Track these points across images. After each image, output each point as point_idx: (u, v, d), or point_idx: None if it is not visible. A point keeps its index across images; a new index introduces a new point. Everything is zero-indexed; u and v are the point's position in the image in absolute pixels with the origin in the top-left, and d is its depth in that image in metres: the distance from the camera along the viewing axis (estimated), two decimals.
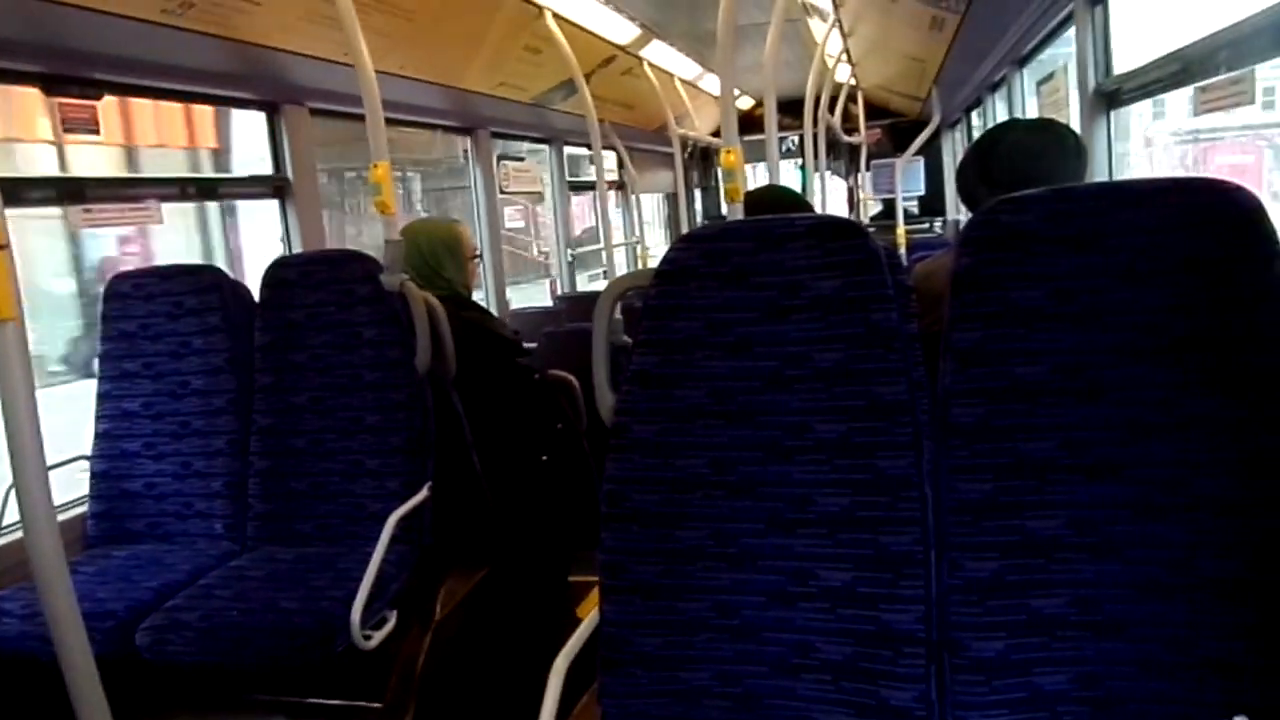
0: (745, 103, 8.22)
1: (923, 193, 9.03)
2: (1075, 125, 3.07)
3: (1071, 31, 3.13)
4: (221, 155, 5.88)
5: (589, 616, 1.46)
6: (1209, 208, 1.30)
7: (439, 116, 4.65)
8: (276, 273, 2.54)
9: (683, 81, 6.69)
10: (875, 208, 9.19)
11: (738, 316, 1.45)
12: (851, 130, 8.04)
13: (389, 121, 2.42)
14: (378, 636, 2.01)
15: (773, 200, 2.31)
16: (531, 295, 7.01)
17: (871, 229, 1.52)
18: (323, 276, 2.47)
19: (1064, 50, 3.55)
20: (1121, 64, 2.88)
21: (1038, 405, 1.33)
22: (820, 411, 1.40)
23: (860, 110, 8.48)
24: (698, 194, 9.77)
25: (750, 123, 4.94)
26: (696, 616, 1.43)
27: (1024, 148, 1.89)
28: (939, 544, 1.36)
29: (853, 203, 9.53)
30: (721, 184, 2.58)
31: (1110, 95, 2.91)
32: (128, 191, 2.95)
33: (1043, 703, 1.30)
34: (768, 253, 1.44)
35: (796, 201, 2.50)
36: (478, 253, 2.91)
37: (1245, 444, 1.27)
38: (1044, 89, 3.97)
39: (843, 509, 1.38)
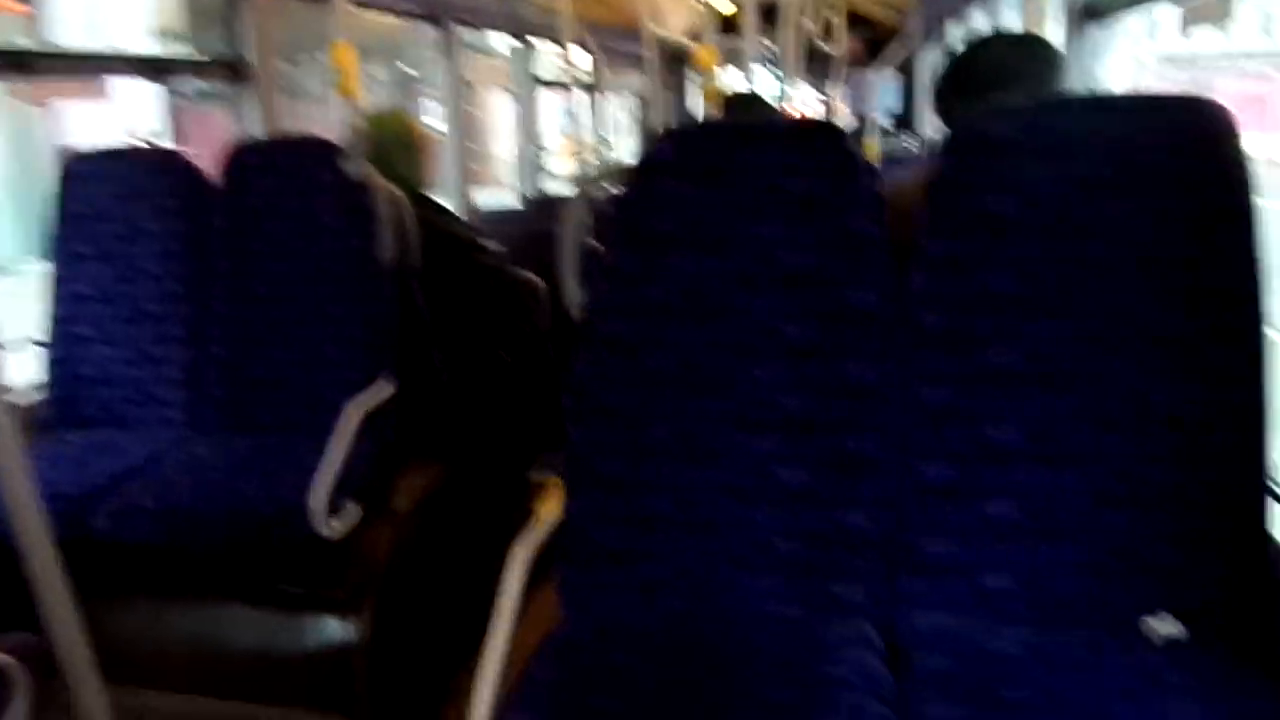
0: (725, 7, 7.99)
1: (900, 110, 8.92)
2: (1057, 39, 3.02)
3: None
4: (33, 22, 5.35)
5: (550, 510, 1.48)
6: (1185, 125, 1.30)
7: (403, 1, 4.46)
8: (237, 157, 2.45)
9: None
10: (852, 121, 9.08)
11: (712, 216, 1.43)
12: (830, 39, 7.87)
13: (357, 3, 2.32)
14: (340, 526, 2.02)
15: (751, 104, 2.27)
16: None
17: None
18: (286, 163, 2.39)
19: None
20: None
21: (1004, 316, 1.35)
22: (790, 315, 1.41)
23: (841, 20, 8.29)
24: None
25: (729, 28, 4.81)
26: (659, 512, 1.45)
27: (1002, 62, 1.86)
28: (899, 449, 1.38)
29: (828, 115, 9.40)
30: (689, 91, 2.53)
31: (1090, 8, 2.87)
32: (75, 66, 2.81)
33: (988, 602, 1.35)
34: (746, 152, 1.42)
35: (771, 109, 2.46)
36: (433, 146, 2.83)
37: (1200, 360, 1.30)
38: (1021, 4, 3.89)
39: (807, 412, 1.40)
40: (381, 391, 2.25)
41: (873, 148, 6.70)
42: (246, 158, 2.44)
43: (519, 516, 1.48)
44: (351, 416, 2.08)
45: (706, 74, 2.19)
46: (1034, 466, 1.34)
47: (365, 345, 2.32)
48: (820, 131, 1.44)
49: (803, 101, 7.20)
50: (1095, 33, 2.83)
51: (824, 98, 9.63)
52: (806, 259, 1.40)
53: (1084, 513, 1.32)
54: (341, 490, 2.05)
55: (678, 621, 1.39)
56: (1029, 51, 1.90)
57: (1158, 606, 1.31)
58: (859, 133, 8.29)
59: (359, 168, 2.27)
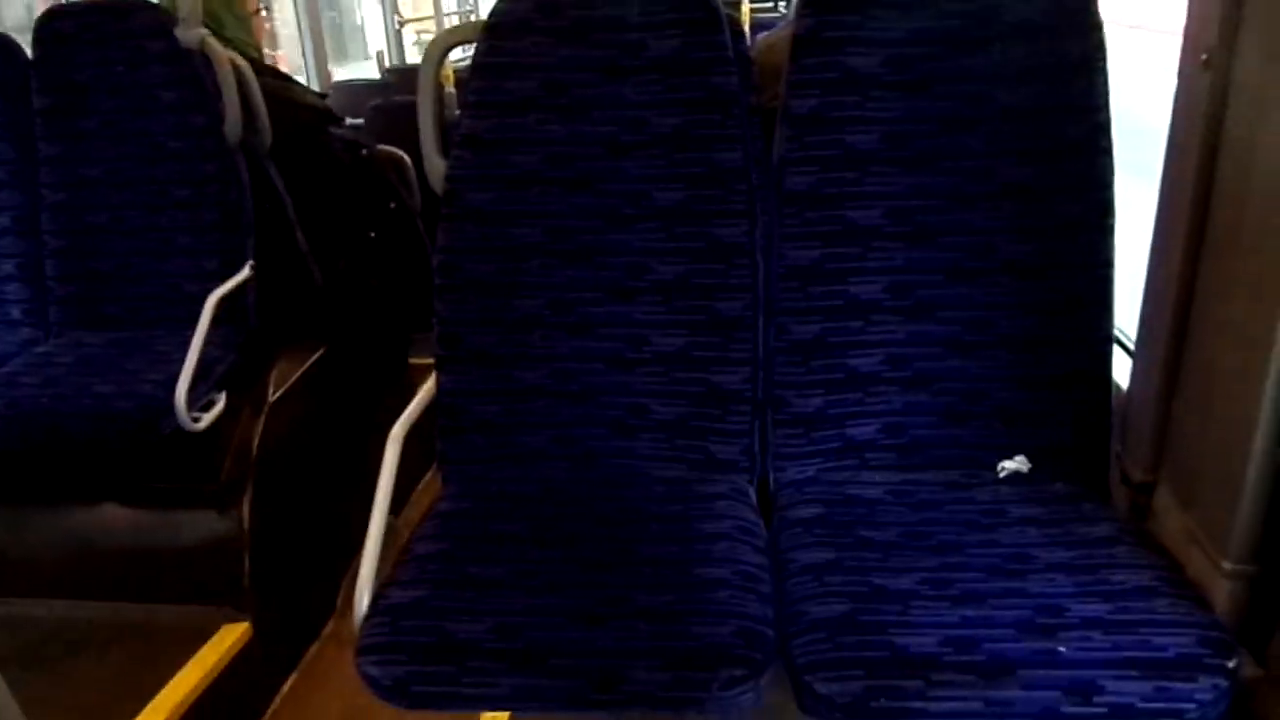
0: None
1: None
2: None
3: None
4: None
5: (425, 388, 1.46)
6: None
7: None
8: (49, 25, 2.21)
9: None
10: None
11: (575, 77, 1.38)
12: None
13: None
14: (206, 418, 1.95)
15: None
16: None
17: None
18: (107, 30, 2.17)
19: None
20: None
21: (866, 173, 1.37)
22: (659, 179, 1.39)
23: None
24: None
25: None
26: (535, 383, 1.44)
27: None
28: (768, 309, 1.41)
29: None
30: None
31: None
32: None
33: (853, 450, 1.42)
34: (608, 7, 1.36)
35: None
36: (261, 6, 2.62)
37: (1051, 211, 1.35)
38: None
39: (678, 276, 1.40)
40: (241, 278, 2.14)
41: (746, 11, 6.61)
42: (61, 25, 2.20)
43: (400, 399, 1.45)
44: (211, 307, 1.98)
45: None
46: (894, 319, 1.39)
47: (220, 231, 2.19)
48: None
49: None
50: None
51: None
52: (673, 119, 1.38)
53: (940, 360, 1.39)
54: (205, 381, 1.97)
55: (558, 488, 1.41)
56: None
57: (1007, 446, 1.40)
58: None
59: (193, 35, 2.08)
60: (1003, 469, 1.39)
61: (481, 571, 1.22)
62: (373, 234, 2.72)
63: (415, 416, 1.39)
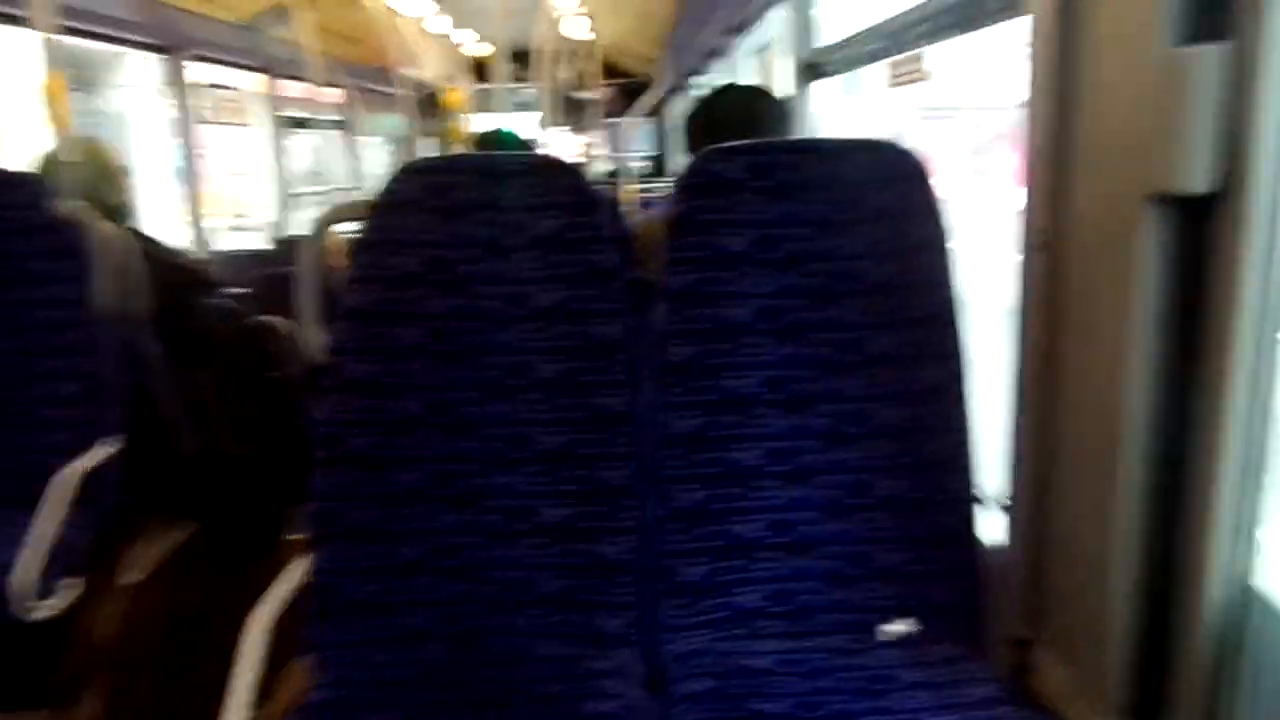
0: (482, 49, 8.04)
1: (653, 153, 9.30)
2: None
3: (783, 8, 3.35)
4: None
5: (293, 568, 1.39)
6: (889, 164, 1.44)
7: (128, 30, 4.13)
8: None
9: (410, 20, 6.41)
10: (608, 165, 9.39)
11: (459, 253, 1.41)
12: (585, 87, 8.12)
13: (68, 30, 2.11)
14: (48, 606, 1.79)
15: (501, 141, 2.28)
16: None
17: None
18: None
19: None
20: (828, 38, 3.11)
21: (741, 345, 1.42)
22: (540, 351, 1.41)
23: (597, 68, 8.58)
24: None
25: (486, 74, 4.84)
26: (415, 559, 1.40)
27: (740, 106, 2.02)
28: (652, 477, 1.42)
29: (587, 159, 9.66)
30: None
31: (813, 67, 3.15)
32: None
33: (742, 619, 1.41)
34: (490, 188, 1.42)
35: (526, 145, 2.49)
36: (127, 174, 2.62)
37: (914, 378, 1.43)
38: (759, 58, 4.21)
39: (562, 446, 1.41)
40: (101, 453, 2.03)
41: (629, 189, 6.99)
42: None
43: (272, 576, 1.37)
44: (64, 483, 1.86)
45: (455, 115, 2.17)
46: (775, 484, 1.41)
47: (82, 402, 2.08)
48: (563, 168, 1.46)
49: (561, 145, 7.37)
50: (816, 86, 3.10)
51: (584, 142, 9.94)
52: (554, 294, 1.42)
53: (821, 524, 1.41)
54: (55, 566, 1.83)
55: (438, 670, 1.34)
56: (761, 100, 2.07)
57: (891, 608, 1.41)
58: (616, 175, 8.62)
59: (67, 204, 2.05)
60: (887, 632, 1.39)
61: None
62: (248, 406, 2.65)
63: (283, 600, 1.32)
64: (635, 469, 1.41)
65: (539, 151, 4.34)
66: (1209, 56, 0.99)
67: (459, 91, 2.08)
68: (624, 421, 1.41)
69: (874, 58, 2.56)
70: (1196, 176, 0.99)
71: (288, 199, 5.52)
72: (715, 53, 5.76)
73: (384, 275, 1.41)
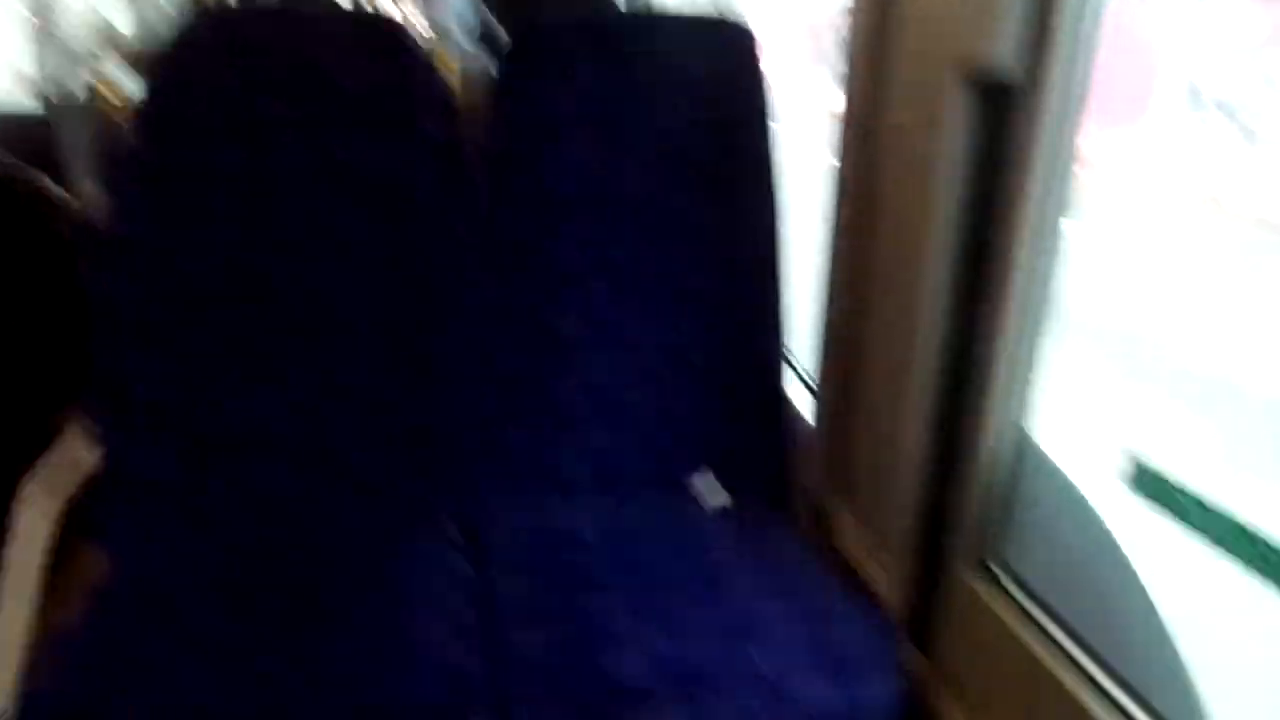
0: None
1: (474, 21, 8.80)
2: None
3: None
4: None
5: (72, 442, 1.28)
6: (720, 40, 1.42)
7: None
8: None
9: None
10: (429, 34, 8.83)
11: (264, 109, 1.30)
12: None
13: None
14: None
15: None
16: None
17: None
18: None
19: None
20: None
21: (566, 214, 1.40)
22: (349, 216, 1.34)
23: None
24: None
25: None
26: (213, 437, 1.32)
27: None
28: (470, 345, 1.39)
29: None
30: None
31: None
32: None
33: (560, 486, 1.42)
34: (296, 40, 1.30)
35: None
36: None
37: (728, 248, 1.45)
38: None
39: (372, 314, 1.35)
40: None
41: (448, 59, 6.63)
42: None
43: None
44: None
45: None
46: (595, 353, 1.42)
47: None
48: (378, 23, 1.36)
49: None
50: None
51: (401, 11, 9.30)
52: (373, 158, 1.33)
53: (637, 391, 1.44)
54: None
55: (244, 552, 1.28)
56: None
57: (703, 469, 1.47)
58: (434, 43, 8.15)
59: None
60: (699, 491, 1.45)
61: (153, 660, 1.07)
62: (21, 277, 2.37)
63: (65, 480, 1.22)
64: (453, 339, 1.37)
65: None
66: None
67: None
68: (440, 289, 1.36)
69: None
70: (1004, 62, 1.03)
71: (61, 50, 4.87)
72: None
73: (172, 130, 1.28)
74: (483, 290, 1.37)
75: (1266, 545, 0.82)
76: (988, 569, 1.18)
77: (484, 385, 1.39)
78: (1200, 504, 0.89)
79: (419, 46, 1.38)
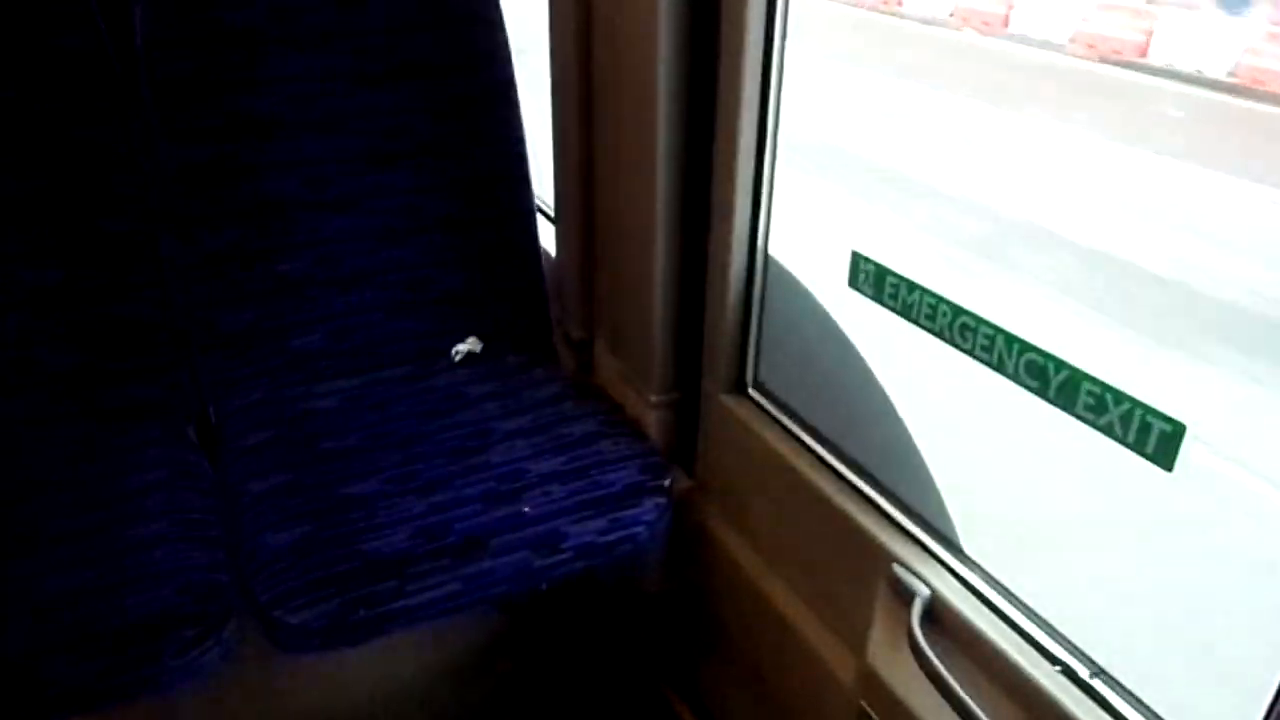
0: None
1: None
2: None
3: None
4: None
5: None
6: (452, 10, 1.27)
7: None
8: None
9: None
10: None
11: None
12: None
13: None
14: None
15: None
16: None
17: None
18: None
19: None
20: None
21: (255, 54, 1.23)
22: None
23: None
24: None
25: None
26: None
27: None
28: (165, 220, 1.22)
29: None
30: None
31: None
32: None
33: (299, 364, 1.31)
34: None
35: None
36: None
37: (460, 86, 1.34)
38: None
39: (32, 195, 1.15)
40: None
41: None
42: None
43: None
44: None
45: None
46: (318, 215, 1.28)
47: None
48: None
49: None
50: None
51: None
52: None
53: (374, 254, 1.33)
54: None
55: None
56: None
57: (459, 330, 1.40)
58: None
59: None
60: (457, 352, 1.38)
61: None
62: None
63: None
64: (141, 213, 1.19)
65: None
66: None
67: None
68: (112, 157, 1.17)
69: None
70: None
71: None
72: None
73: None
74: (168, 152, 1.19)
75: (970, 315, 0.86)
76: (740, 386, 1.20)
77: (192, 265, 1.22)
78: (911, 286, 0.92)
79: None
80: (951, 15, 6.11)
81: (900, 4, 6.33)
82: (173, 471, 1.14)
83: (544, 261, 1.46)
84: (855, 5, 6.46)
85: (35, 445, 1.16)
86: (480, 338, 1.41)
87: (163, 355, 1.23)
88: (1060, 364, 0.79)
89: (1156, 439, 0.71)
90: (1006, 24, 5.81)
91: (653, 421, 1.28)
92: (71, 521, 1.05)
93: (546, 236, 1.48)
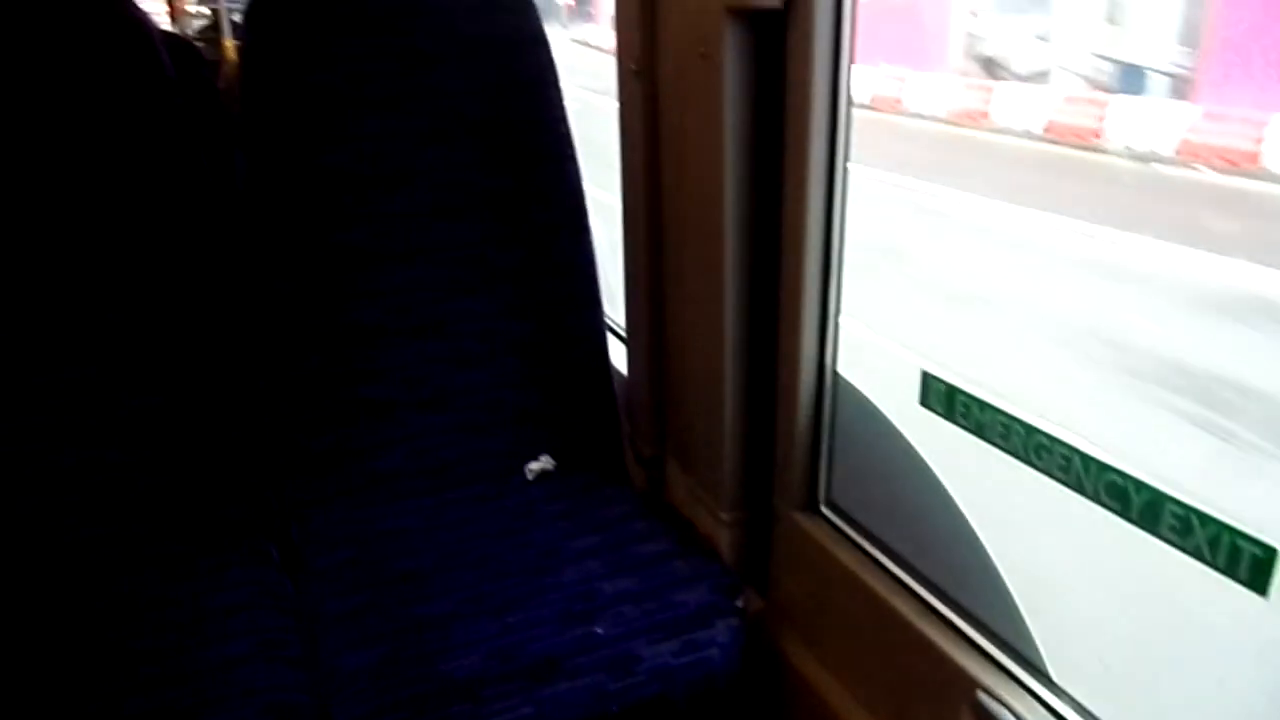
0: None
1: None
2: None
3: None
4: None
5: None
6: (495, 2, 1.36)
7: None
8: None
9: None
10: (202, 20, 8.21)
11: None
12: None
13: None
14: None
15: None
16: None
17: (200, 43, 1.31)
18: None
19: None
20: None
21: (345, 192, 1.31)
22: (93, 222, 1.20)
23: None
24: None
25: None
26: None
27: None
28: (257, 347, 1.28)
29: (174, 11, 8.40)
30: None
31: None
32: None
33: (378, 484, 1.35)
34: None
35: None
36: None
37: (529, 218, 1.40)
38: None
39: (133, 327, 1.23)
40: None
41: (230, 45, 6.20)
42: None
43: None
44: None
45: None
46: (401, 340, 1.34)
47: None
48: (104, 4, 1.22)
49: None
50: None
51: None
52: (93, 148, 1.20)
53: (452, 376, 1.37)
54: None
55: (23, 594, 1.14)
56: None
57: (532, 448, 1.42)
58: (214, 29, 7.58)
59: None
60: (530, 471, 1.41)
61: None
62: None
63: None
64: (235, 341, 1.26)
65: None
66: None
67: None
68: (210, 290, 1.25)
69: None
70: None
71: None
72: None
73: None
74: (262, 285, 1.27)
75: (1045, 435, 0.86)
76: (812, 504, 1.19)
77: (280, 388, 1.28)
78: (982, 405, 0.92)
79: (140, 16, 1.24)
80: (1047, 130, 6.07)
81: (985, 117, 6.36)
82: (255, 592, 1.17)
83: (615, 380, 1.49)
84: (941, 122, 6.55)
85: (122, 564, 1.20)
86: (553, 455, 1.43)
87: (250, 477, 1.28)
88: (1141, 485, 0.78)
89: (1249, 563, 0.69)
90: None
91: (724, 540, 1.28)
92: (156, 640, 1.08)
93: (617, 355, 1.52)
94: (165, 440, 1.24)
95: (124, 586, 1.17)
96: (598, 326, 1.47)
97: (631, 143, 1.33)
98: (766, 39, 1.08)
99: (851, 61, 1.05)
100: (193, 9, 8.06)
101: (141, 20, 1.22)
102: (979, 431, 0.93)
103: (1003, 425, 0.90)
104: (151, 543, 1.23)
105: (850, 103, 1.06)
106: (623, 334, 1.58)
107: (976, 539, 1.10)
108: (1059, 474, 0.84)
